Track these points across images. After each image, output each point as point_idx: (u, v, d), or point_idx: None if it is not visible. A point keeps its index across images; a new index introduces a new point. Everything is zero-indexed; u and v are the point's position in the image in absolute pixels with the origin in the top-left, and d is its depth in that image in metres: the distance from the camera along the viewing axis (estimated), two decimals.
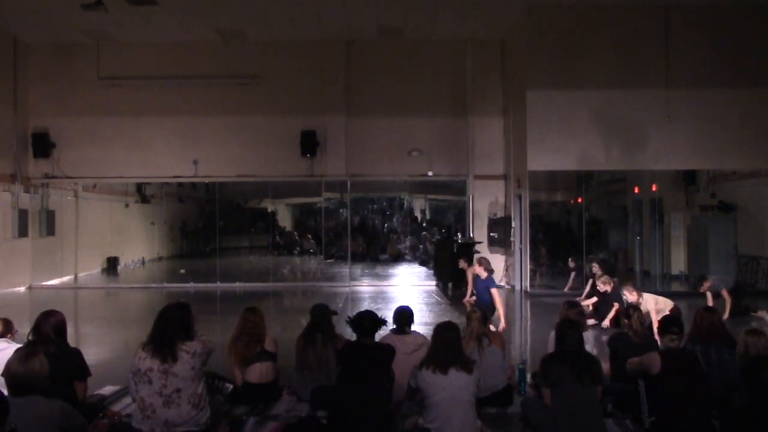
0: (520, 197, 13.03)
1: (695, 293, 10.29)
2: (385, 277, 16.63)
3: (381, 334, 4.97)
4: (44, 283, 14.47)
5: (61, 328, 4.64)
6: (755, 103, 12.22)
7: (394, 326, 5.37)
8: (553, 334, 5.05)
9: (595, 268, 10.59)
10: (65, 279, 15.23)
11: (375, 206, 25.03)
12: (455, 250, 13.43)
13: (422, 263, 19.24)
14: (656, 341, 4.98)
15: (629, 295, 7.98)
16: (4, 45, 13.67)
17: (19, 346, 4.42)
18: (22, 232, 13.94)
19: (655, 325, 6.92)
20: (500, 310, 8.02)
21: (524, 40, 12.63)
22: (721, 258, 12.60)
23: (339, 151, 14.20)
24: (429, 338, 4.69)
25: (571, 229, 15.46)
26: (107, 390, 5.57)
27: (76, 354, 4.60)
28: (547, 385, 4.30)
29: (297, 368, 5.45)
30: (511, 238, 13.29)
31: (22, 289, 13.90)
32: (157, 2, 11.56)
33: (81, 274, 15.67)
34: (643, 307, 7.58)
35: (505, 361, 5.45)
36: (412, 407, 4.57)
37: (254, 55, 14.32)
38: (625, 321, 5.57)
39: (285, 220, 25.82)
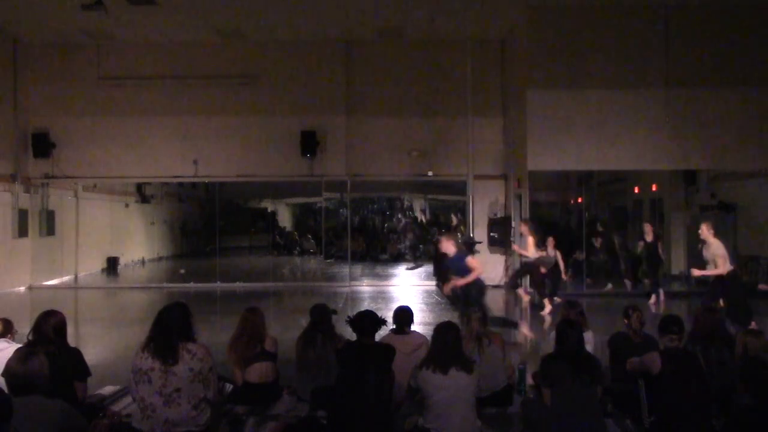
0: (520, 197, 13.02)
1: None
2: (385, 277, 16.62)
3: (381, 334, 4.97)
4: (44, 283, 14.46)
5: (61, 328, 4.63)
6: (755, 103, 12.20)
7: (394, 326, 5.37)
8: (553, 334, 5.05)
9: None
10: (65, 279, 15.23)
11: (375, 206, 25.04)
12: None
13: None
14: (656, 341, 4.98)
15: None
16: (4, 45, 13.66)
17: (19, 346, 4.42)
18: (22, 232, 13.93)
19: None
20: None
21: (524, 40, 12.62)
22: None
23: (339, 151, 14.19)
24: (429, 338, 4.69)
25: (571, 228, 15.47)
26: (107, 390, 5.57)
27: (76, 354, 4.60)
28: (547, 385, 4.29)
29: (297, 368, 5.45)
30: (511, 238, 13.28)
31: (22, 289, 13.89)
32: (157, 2, 11.57)
33: (81, 274, 15.66)
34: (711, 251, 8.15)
35: (505, 361, 5.45)
36: (412, 407, 4.57)
37: (254, 55, 14.31)
38: (625, 321, 5.56)
39: (285, 220, 25.86)
